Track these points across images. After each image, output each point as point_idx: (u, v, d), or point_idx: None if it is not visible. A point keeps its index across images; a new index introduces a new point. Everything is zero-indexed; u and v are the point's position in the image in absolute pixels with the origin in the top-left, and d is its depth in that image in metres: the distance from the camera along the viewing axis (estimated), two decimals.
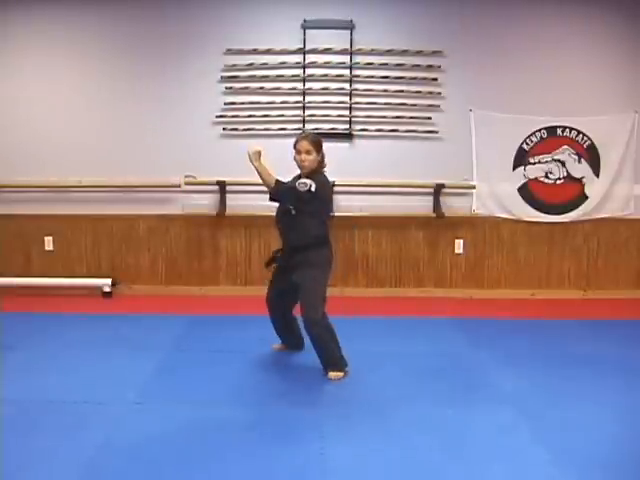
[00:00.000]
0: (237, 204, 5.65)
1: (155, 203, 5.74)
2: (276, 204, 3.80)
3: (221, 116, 5.61)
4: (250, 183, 5.48)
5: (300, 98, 5.64)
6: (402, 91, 5.61)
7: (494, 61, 5.63)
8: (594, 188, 5.76)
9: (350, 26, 5.53)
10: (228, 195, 5.64)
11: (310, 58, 5.59)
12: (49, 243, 5.79)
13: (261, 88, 5.62)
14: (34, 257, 5.80)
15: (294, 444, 2.88)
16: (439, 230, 5.79)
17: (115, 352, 4.11)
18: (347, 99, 5.63)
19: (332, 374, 3.65)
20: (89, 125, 5.67)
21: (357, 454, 2.79)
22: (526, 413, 3.22)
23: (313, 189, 3.51)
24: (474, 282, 5.86)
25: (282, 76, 5.60)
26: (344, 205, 5.69)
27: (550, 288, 5.86)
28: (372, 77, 5.61)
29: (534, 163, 5.73)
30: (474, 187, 5.71)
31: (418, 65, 5.59)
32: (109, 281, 5.65)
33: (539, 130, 5.68)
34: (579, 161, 5.73)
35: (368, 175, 5.64)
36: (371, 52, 5.57)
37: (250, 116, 5.61)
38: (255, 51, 5.56)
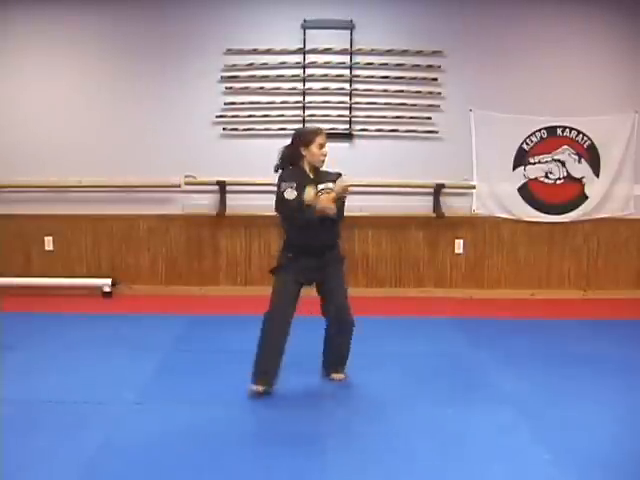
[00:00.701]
0: (237, 204, 5.65)
1: (155, 203, 5.74)
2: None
3: (221, 116, 5.61)
4: (250, 183, 5.50)
5: (300, 98, 5.64)
6: (402, 91, 5.61)
7: (494, 61, 5.63)
8: (594, 188, 5.76)
9: (350, 26, 5.53)
10: (228, 195, 5.64)
11: (310, 58, 5.59)
12: (49, 243, 5.79)
13: (261, 88, 5.62)
14: (34, 257, 5.80)
15: (294, 445, 2.88)
16: (439, 230, 5.79)
17: (115, 352, 4.11)
18: (347, 99, 5.63)
19: (339, 375, 3.62)
20: (89, 125, 5.67)
21: (357, 454, 2.79)
22: (526, 413, 3.22)
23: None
24: (474, 282, 5.86)
25: (282, 76, 5.60)
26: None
27: (550, 288, 5.86)
28: (372, 77, 5.61)
29: (534, 163, 5.73)
30: (474, 187, 5.70)
31: (418, 65, 5.59)
32: (109, 281, 5.65)
33: (539, 130, 5.68)
34: (579, 161, 5.73)
35: (368, 175, 5.63)
36: (371, 52, 5.57)
37: (250, 116, 5.61)
38: (255, 51, 5.56)
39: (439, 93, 5.64)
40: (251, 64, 5.59)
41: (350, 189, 3.48)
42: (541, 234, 5.83)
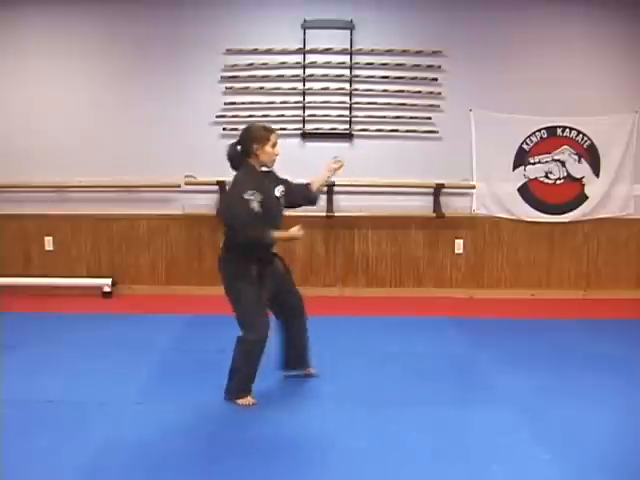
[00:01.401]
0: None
1: (155, 203, 5.74)
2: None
3: (221, 116, 5.61)
4: None
5: (300, 98, 5.64)
6: (402, 91, 5.61)
7: (494, 61, 5.63)
8: (594, 188, 5.75)
9: (350, 26, 5.53)
10: None
11: (310, 58, 5.59)
12: (49, 243, 5.79)
13: (261, 88, 5.62)
14: (34, 257, 5.80)
15: (294, 445, 2.89)
16: (439, 230, 5.79)
17: (115, 352, 4.11)
18: (347, 99, 5.63)
19: (313, 370, 3.66)
20: (89, 125, 5.66)
21: (357, 455, 2.79)
22: (526, 413, 3.22)
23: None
24: (474, 282, 5.86)
25: (282, 76, 5.60)
26: (344, 205, 5.70)
27: (550, 288, 5.85)
28: (372, 77, 5.61)
29: (534, 163, 5.73)
30: (474, 187, 5.70)
31: (418, 65, 5.59)
32: (109, 281, 5.65)
33: (539, 130, 5.68)
34: (579, 161, 5.73)
35: (368, 175, 5.63)
36: (371, 52, 5.57)
37: (250, 116, 5.60)
38: (255, 51, 5.56)
39: (439, 93, 5.64)
40: (251, 64, 5.59)
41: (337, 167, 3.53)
42: (541, 234, 5.82)
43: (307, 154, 5.65)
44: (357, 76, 5.60)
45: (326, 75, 5.60)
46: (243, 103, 5.62)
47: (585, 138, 5.70)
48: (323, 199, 5.65)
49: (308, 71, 5.59)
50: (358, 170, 5.64)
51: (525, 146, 5.71)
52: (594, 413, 3.23)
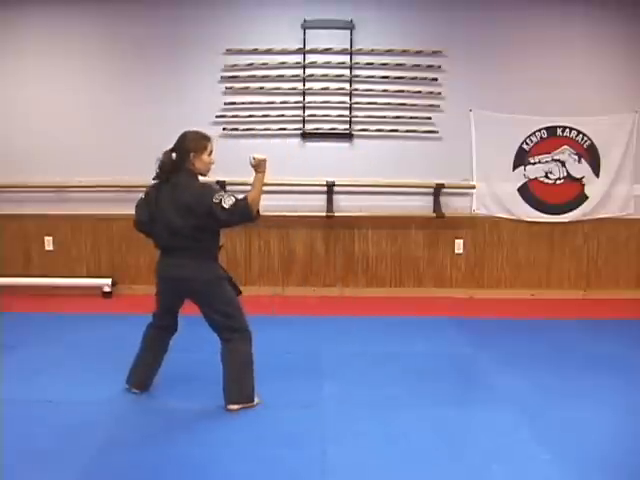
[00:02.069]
0: None
1: None
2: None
3: (221, 116, 5.61)
4: (250, 183, 5.48)
5: (300, 98, 5.64)
6: (402, 91, 5.61)
7: (494, 61, 5.63)
8: (594, 188, 5.75)
9: (350, 26, 5.53)
10: None
11: (310, 58, 5.59)
12: (49, 243, 5.79)
13: (261, 88, 5.62)
14: (34, 257, 5.80)
15: (294, 444, 2.88)
16: (439, 230, 5.79)
17: (115, 352, 4.10)
18: (347, 99, 5.63)
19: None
20: (89, 125, 5.66)
21: (357, 454, 2.80)
22: (526, 413, 3.22)
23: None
24: (474, 282, 5.86)
25: (282, 76, 5.60)
26: (344, 205, 5.70)
27: (550, 288, 5.86)
28: (372, 77, 5.61)
29: (534, 163, 5.73)
30: (474, 187, 5.71)
31: (418, 65, 5.59)
32: (109, 281, 5.65)
33: (539, 130, 5.68)
34: (579, 161, 5.73)
35: (368, 175, 5.64)
36: (371, 52, 5.57)
37: (250, 116, 5.61)
38: (255, 51, 5.56)
39: (439, 93, 5.64)
40: (251, 64, 5.59)
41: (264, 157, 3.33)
42: (541, 234, 5.82)
43: (307, 154, 5.66)
44: (357, 76, 5.60)
45: (326, 75, 5.60)
46: (243, 103, 5.62)
47: (585, 138, 5.70)
48: (323, 199, 5.67)
49: (308, 71, 5.59)
50: (358, 170, 5.66)
51: (525, 146, 5.71)
52: (594, 413, 3.23)
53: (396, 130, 5.65)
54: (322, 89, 5.63)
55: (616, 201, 5.78)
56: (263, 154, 3.28)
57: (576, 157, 5.72)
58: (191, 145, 3.24)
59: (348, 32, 5.53)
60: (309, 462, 2.73)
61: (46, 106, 5.66)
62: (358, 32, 5.55)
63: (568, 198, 5.77)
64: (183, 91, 5.62)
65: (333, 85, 5.62)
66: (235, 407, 3.20)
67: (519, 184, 5.75)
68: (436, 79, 5.61)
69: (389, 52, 5.56)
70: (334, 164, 5.64)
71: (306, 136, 5.65)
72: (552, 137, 5.70)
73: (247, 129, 5.64)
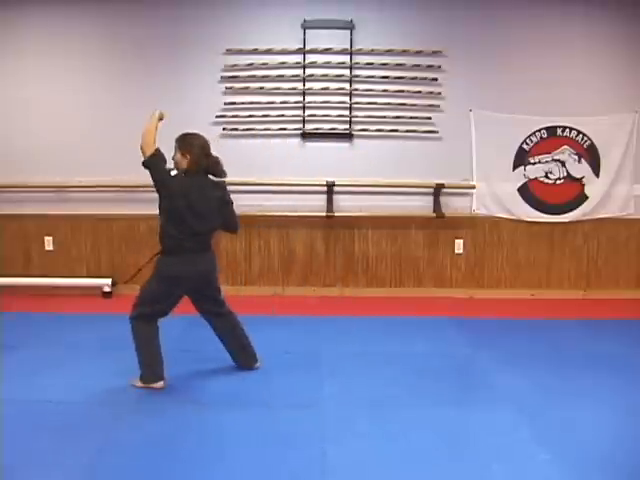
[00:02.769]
0: (237, 204, 5.56)
1: (155, 203, 5.66)
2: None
3: (221, 116, 5.61)
4: (250, 183, 5.50)
5: (300, 98, 5.64)
6: (402, 91, 5.61)
7: (494, 61, 5.62)
8: (594, 188, 5.75)
9: (350, 26, 5.53)
10: None
11: (310, 58, 5.59)
12: (49, 243, 5.79)
13: (261, 88, 5.62)
14: (34, 257, 5.80)
15: (294, 444, 2.89)
16: (439, 230, 5.79)
17: (115, 352, 4.10)
18: (347, 99, 5.63)
19: (137, 382, 3.54)
20: (89, 125, 5.66)
21: (357, 454, 2.80)
22: (526, 413, 3.22)
23: (172, 174, 3.50)
24: (474, 282, 5.86)
25: (282, 76, 5.60)
26: (344, 205, 5.70)
27: (550, 288, 5.86)
28: (372, 77, 5.60)
29: (534, 163, 5.73)
30: (474, 187, 5.71)
31: (418, 65, 5.59)
32: (109, 281, 5.65)
33: (539, 130, 5.68)
34: (579, 161, 5.73)
35: (368, 175, 5.64)
36: (371, 52, 5.57)
37: (250, 116, 5.61)
38: (255, 51, 5.55)
39: (439, 93, 5.64)
40: (251, 64, 5.59)
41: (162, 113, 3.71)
42: (541, 234, 5.82)
43: (307, 154, 5.66)
44: (357, 76, 5.60)
45: (326, 75, 5.60)
46: (243, 103, 5.62)
47: (585, 138, 5.70)
48: (323, 199, 5.67)
49: (308, 71, 5.59)
50: (358, 170, 5.65)
51: (525, 146, 5.71)
52: (594, 413, 3.23)
53: (396, 130, 5.65)
54: (322, 89, 5.63)
55: (616, 201, 5.78)
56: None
57: (576, 157, 5.72)
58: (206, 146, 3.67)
59: (348, 32, 5.53)
60: (309, 462, 2.73)
61: (46, 106, 5.66)
62: (358, 32, 5.55)
63: (568, 198, 5.77)
64: (183, 91, 5.62)
65: (333, 85, 5.62)
66: (258, 364, 3.70)
67: (519, 184, 5.75)
68: (436, 79, 5.61)
69: (389, 52, 5.56)
70: (334, 164, 5.64)
71: (306, 136, 5.65)
72: (552, 137, 5.70)
73: (247, 129, 5.64)
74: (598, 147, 5.70)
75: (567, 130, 5.69)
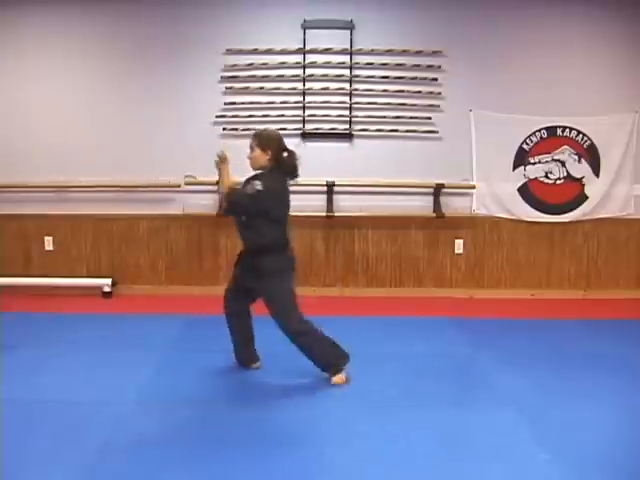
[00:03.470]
0: None
1: (155, 203, 5.74)
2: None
3: (221, 116, 5.61)
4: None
5: (300, 98, 5.64)
6: (402, 91, 5.61)
7: (494, 61, 5.63)
8: (594, 188, 5.75)
9: (350, 26, 5.53)
10: None
11: (310, 58, 5.59)
12: (49, 243, 5.79)
13: (261, 88, 5.62)
14: (34, 257, 5.80)
15: (294, 444, 2.88)
16: (439, 230, 5.79)
17: (115, 352, 4.11)
18: (347, 99, 5.63)
19: (334, 378, 3.58)
20: (89, 125, 5.66)
21: (357, 454, 2.79)
22: (526, 413, 3.22)
23: (260, 187, 3.40)
24: (474, 282, 5.86)
25: (282, 76, 5.60)
26: (344, 205, 5.70)
27: (550, 288, 5.86)
28: (372, 77, 5.61)
29: (534, 163, 5.73)
30: (474, 187, 5.71)
31: (418, 65, 5.59)
32: (109, 281, 5.65)
33: (539, 130, 5.68)
34: (579, 161, 5.73)
35: (368, 175, 5.64)
36: (371, 52, 5.57)
37: (250, 116, 5.61)
38: (255, 51, 5.56)
39: (439, 93, 5.64)
40: (251, 64, 5.59)
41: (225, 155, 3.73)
42: (541, 234, 5.82)
43: (307, 154, 5.60)
44: (357, 76, 5.60)
45: (326, 75, 5.60)
46: (243, 103, 5.62)
47: (585, 138, 5.70)
48: (323, 199, 5.67)
49: (308, 71, 5.59)
50: (358, 170, 5.65)
51: (525, 146, 5.71)
52: (594, 413, 3.23)
53: (396, 130, 5.65)
54: (322, 89, 5.63)
55: (616, 201, 5.78)
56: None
57: (576, 157, 5.72)
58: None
59: (348, 32, 5.53)
60: (309, 462, 2.73)
61: (46, 106, 5.66)
62: (358, 32, 5.55)
63: (568, 198, 5.77)
64: (183, 91, 5.62)
65: (333, 85, 5.62)
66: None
67: (519, 184, 5.75)
68: (436, 79, 5.61)
69: (389, 52, 5.56)
70: (334, 164, 5.64)
71: (306, 136, 5.65)
72: (552, 137, 5.70)
73: (247, 129, 5.62)
74: (598, 147, 5.70)
75: (567, 130, 5.69)
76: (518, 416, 3.19)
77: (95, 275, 5.75)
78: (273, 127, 5.57)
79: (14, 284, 5.59)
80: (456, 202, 5.75)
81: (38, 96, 5.65)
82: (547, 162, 5.73)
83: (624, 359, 4.09)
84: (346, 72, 5.59)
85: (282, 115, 5.60)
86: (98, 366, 3.84)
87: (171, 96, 5.63)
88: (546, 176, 5.75)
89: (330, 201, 5.65)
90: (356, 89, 5.62)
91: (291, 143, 5.67)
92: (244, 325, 3.77)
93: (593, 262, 5.88)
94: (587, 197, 5.77)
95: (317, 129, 5.65)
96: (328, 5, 5.55)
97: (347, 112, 5.63)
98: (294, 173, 3.64)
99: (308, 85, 5.62)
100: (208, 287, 5.77)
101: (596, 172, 5.75)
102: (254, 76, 5.60)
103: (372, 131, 5.66)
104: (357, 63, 5.60)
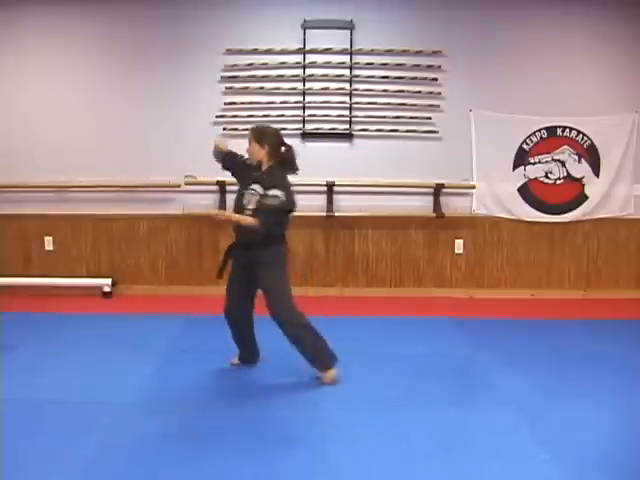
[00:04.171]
0: None
1: (155, 203, 5.74)
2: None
3: (221, 116, 5.61)
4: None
5: (300, 98, 5.64)
6: (402, 91, 5.61)
7: (494, 61, 5.63)
8: (594, 188, 5.75)
9: (350, 26, 5.53)
10: (228, 195, 5.62)
11: (310, 58, 5.59)
12: (49, 243, 5.79)
13: (261, 88, 5.62)
14: (34, 257, 5.80)
15: (294, 444, 2.89)
16: (439, 230, 5.79)
17: (115, 352, 4.11)
18: (347, 99, 5.63)
19: (324, 375, 3.57)
20: (89, 125, 5.66)
21: (357, 454, 2.79)
22: (526, 413, 3.22)
23: (282, 197, 3.44)
24: (474, 282, 5.86)
25: (282, 76, 5.60)
26: (344, 205, 5.70)
27: (550, 288, 5.85)
28: (372, 77, 5.61)
29: (534, 163, 5.73)
30: (474, 187, 5.71)
31: (418, 65, 5.59)
32: (109, 281, 5.65)
33: (539, 130, 5.68)
34: (579, 161, 5.73)
35: (368, 175, 5.64)
36: (371, 52, 5.57)
37: (250, 116, 5.60)
38: (255, 51, 5.56)
39: (439, 93, 5.64)
40: (251, 64, 5.59)
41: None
42: (541, 234, 5.82)
43: (307, 154, 5.63)
44: (357, 76, 5.60)
45: (326, 75, 5.60)
46: (243, 103, 5.62)
47: (585, 138, 5.70)
48: (323, 199, 5.67)
49: (308, 71, 5.60)
50: (358, 170, 5.65)
51: (525, 146, 5.71)
52: (594, 413, 3.23)
53: (396, 130, 5.65)
54: (322, 89, 5.63)
55: (616, 201, 5.78)
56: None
57: (576, 157, 5.72)
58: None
59: (348, 32, 5.53)
60: (309, 462, 2.73)
61: (46, 106, 5.66)
62: (358, 32, 5.54)
63: (568, 198, 5.77)
64: (183, 91, 5.62)
65: (333, 85, 5.62)
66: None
67: (519, 184, 5.75)
68: (436, 79, 5.61)
69: (389, 52, 5.56)
70: (334, 164, 5.64)
71: (306, 136, 5.65)
72: (552, 137, 5.70)
73: (247, 129, 5.60)
74: (598, 147, 5.70)
75: (567, 130, 5.69)
76: (518, 416, 3.19)
77: (95, 275, 5.75)
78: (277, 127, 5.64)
79: (14, 284, 5.59)
80: (456, 202, 5.75)
81: (38, 96, 5.65)
82: (547, 162, 5.73)
83: (624, 359, 4.09)
84: (346, 72, 5.59)
85: (282, 115, 5.60)
86: (98, 366, 3.84)
87: (171, 96, 5.63)
88: (546, 176, 5.75)
89: (330, 201, 5.65)
90: (356, 89, 5.63)
91: (291, 143, 5.67)
92: (245, 326, 3.77)
93: (593, 262, 5.87)
94: (587, 197, 5.77)
95: (317, 129, 5.65)
96: (328, 5, 5.55)
97: (347, 112, 5.63)
98: (293, 167, 3.65)
99: (308, 85, 5.62)
100: (208, 287, 5.75)
101: (596, 172, 5.74)
102: (254, 76, 5.60)
103: (372, 131, 5.66)
104: (357, 63, 5.60)
